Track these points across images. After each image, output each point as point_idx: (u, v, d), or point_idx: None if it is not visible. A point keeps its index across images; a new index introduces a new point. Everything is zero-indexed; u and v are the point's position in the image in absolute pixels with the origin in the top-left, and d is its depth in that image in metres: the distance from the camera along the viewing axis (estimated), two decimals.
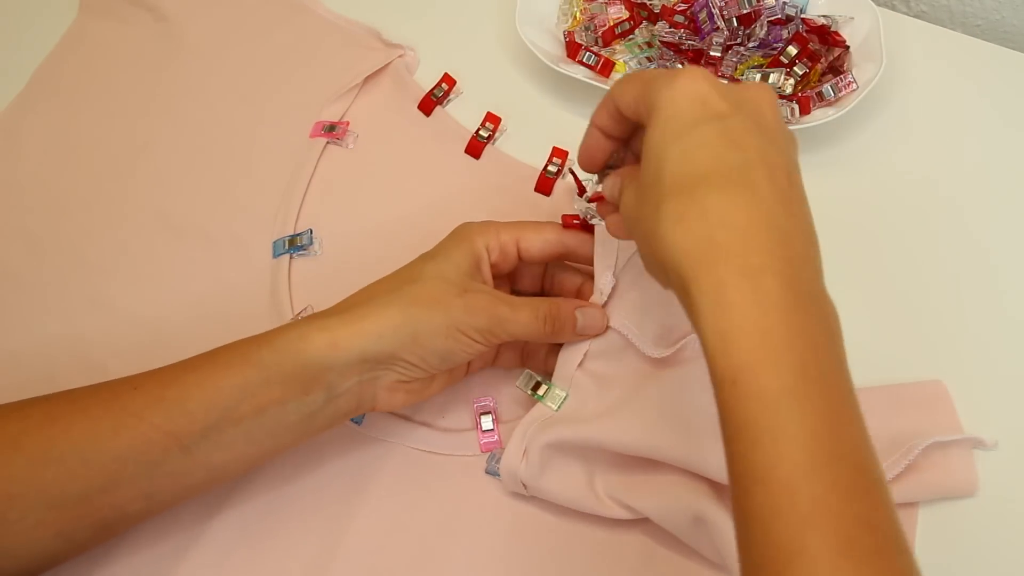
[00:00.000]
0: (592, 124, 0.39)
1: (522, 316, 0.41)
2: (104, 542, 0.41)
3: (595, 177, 0.43)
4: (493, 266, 0.43)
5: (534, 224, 0.44)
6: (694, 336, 0.41)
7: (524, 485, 0.43)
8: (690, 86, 0.33)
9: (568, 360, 0.44)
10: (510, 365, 0.47)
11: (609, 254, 0.44)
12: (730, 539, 0.39)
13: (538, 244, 0.44)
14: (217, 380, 0.38)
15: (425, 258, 0.42)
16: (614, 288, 0.44)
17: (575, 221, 0.45)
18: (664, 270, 0.32)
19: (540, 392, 0.44)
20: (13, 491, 0.36)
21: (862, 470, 0.28)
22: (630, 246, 0.44)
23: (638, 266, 0.44)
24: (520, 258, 0.44)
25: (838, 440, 0.28)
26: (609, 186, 0.40)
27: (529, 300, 0.42)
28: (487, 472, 0.45)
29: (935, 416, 0.44)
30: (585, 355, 0.44)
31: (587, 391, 0.43)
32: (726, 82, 0.34)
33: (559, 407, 0.43)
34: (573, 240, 0.44)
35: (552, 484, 0.42)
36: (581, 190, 0.47)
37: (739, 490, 0.29)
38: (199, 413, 0.37)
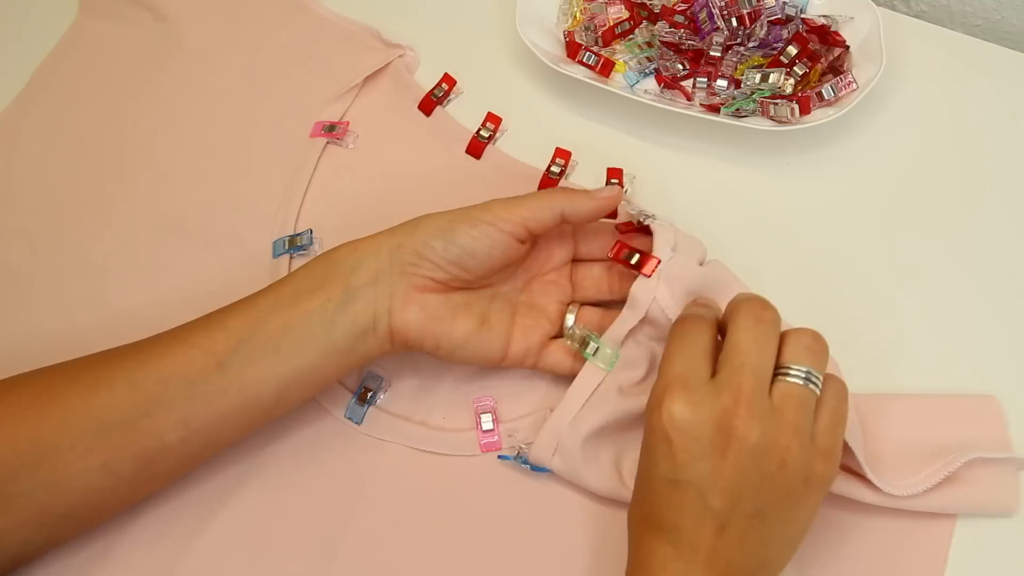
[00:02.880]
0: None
1: (532, 199, 0.43)
2: (147, 489, 0.43)
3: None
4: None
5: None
6: None
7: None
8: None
9: (621, 323, 0.43)
10: (554, 367, 0.46)
11: (667, 239, 0.43)
12: None
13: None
14: (256, 299, 0.42)
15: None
16: (670, 266, 0.43)
17: (628, 226, 0.46)
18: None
19: (589, 350, 0.43)
20: (66, 417, 0.39)
21: None
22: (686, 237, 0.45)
23: (689, 252, 0.44)
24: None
25: None
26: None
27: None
28: (500, 457, 0.45)
29: (984, 431, 0.43)
30: (641, 321, 0.43)
31: (635, 359, 0.43)
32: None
33: (610, 367, 0.43)
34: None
35: (579, 463, 0.42)
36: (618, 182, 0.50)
37: None
38: (235, 328, 0.41)
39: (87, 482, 0.40)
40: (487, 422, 0.46)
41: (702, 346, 0.37)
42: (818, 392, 0.36)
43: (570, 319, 0.46)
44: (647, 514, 0.37)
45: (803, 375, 0.36)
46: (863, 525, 0.42)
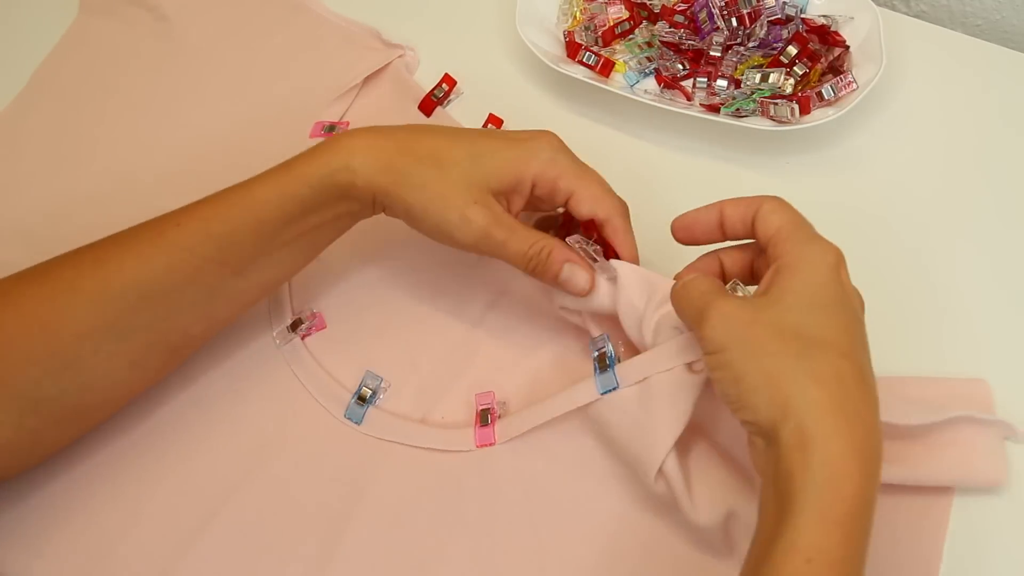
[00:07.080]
0: (720, 209, 0.40)
1: (512, 247, 0.42)
2: (176, 366, 0.45)
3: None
4: (534, 198, 0.44)
5: (591, 183, 0.43)
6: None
7: None
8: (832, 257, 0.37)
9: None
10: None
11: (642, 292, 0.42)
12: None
13: (586, 207, 0.43)
14: (258, 213, 0.41)
15: (478, 142, 0.43)
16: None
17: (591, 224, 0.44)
18: (769, 406, 0.33)
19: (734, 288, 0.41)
20: (81, 330, 0.39)
21: None
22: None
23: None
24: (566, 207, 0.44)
25: None
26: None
27: (527, 233, 0.42)
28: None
29: (973, 406, 0.44)
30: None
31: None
32: None
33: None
34: (617, 216, 0.43)
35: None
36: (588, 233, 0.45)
37: None
38: (248, 245, 0.41)
39: (116, 379, 0.41)
40: (485, 418, 0.46)
41: None
42: None
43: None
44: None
45: None
46: None
